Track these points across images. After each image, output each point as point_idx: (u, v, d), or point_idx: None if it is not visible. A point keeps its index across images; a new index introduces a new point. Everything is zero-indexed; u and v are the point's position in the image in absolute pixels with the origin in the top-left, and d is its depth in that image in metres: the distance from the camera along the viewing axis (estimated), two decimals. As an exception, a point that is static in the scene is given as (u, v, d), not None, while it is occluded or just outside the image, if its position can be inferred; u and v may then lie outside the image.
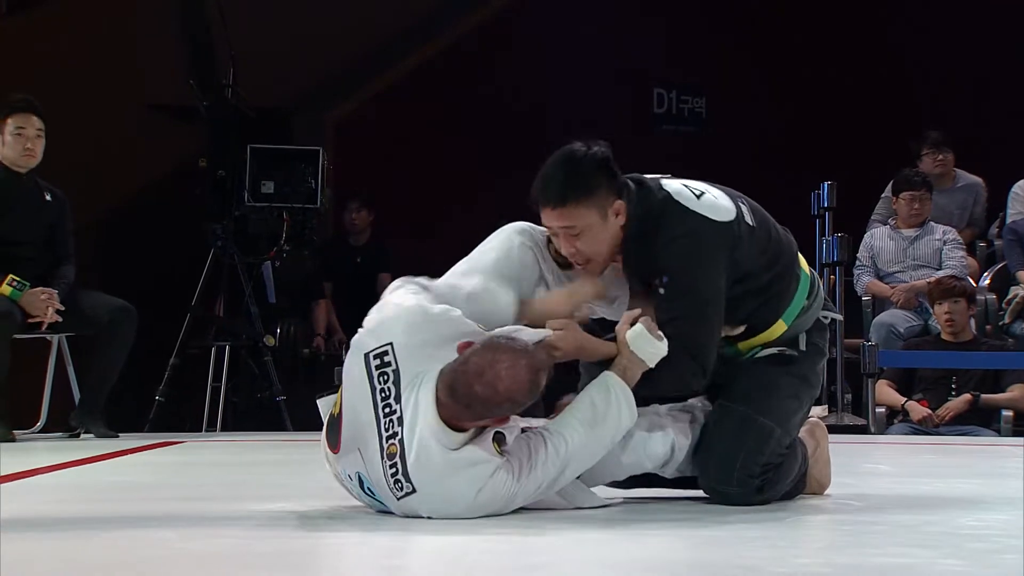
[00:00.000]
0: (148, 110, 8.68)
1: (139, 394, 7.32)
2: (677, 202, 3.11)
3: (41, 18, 8.79)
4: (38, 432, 6.48)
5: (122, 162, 8.74)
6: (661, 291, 3.07)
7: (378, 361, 2.90)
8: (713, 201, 3.13)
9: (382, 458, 2.86)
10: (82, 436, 6.26)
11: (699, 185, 3.19)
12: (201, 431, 7.26)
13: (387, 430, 2.86)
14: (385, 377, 2.88)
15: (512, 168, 10.62)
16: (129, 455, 5.29)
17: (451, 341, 2.89)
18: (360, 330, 3.00)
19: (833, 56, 10.17)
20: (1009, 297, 7.58)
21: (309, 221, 7.64)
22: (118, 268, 8.49)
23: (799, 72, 10.14)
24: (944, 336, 7.24)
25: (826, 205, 7.47)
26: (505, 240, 3.20)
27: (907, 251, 7.82)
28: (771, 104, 10.07)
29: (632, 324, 3.05)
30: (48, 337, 6.42)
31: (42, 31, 8.73)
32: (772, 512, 3.16)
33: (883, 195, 8.17)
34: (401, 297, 3.03)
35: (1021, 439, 6.74)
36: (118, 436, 6.20)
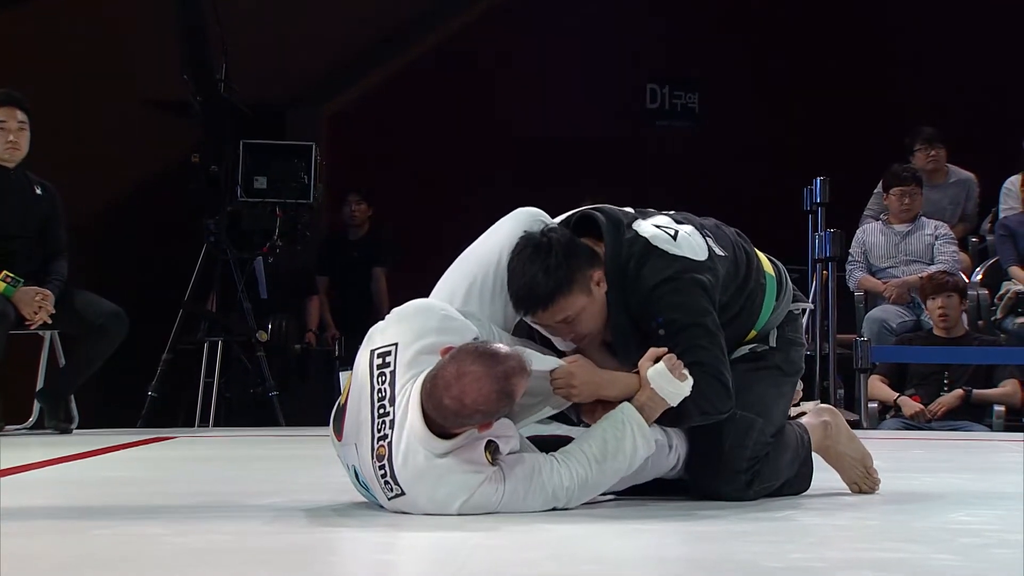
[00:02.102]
0: (141, 105, 8.67)
1: (132, 390, 7.31)
2: (655, 247, 3.11)
3: (33, 12, 8.76)
4: (29, 428, 6.46)
5: (115, 157, 8.73)
6: (661, 332, 3.08)
7: (380, 360, 2.91)
8: (689, 240, 3.14)
9: (372, 458, 2.88)
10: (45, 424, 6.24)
11: (667, 222, 3.18)
12: (194, 427, 7.25)
13: (379, 431, 2.87)
14: (383, 378, 2.89)
15: (507, 163, 10.67)
16: (122, 450, 5.29)
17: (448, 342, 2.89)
18: (379, 322, 3.01)
19: (826, 51, 10.17)
20: (1001, 292, 7.59)
21: (302, 216, 7.63)
22: (111, 263, 8.48)
23: (793, 67, 10.14)
24: (936, 331, 7.24)
25: (819, 200, 7.48)
26: (512, 232, 3.16)
27: (899, 246, 7.83)
28: (764, 99, 10.07)
29: (656, 361, 3.02)
30: (40, 333, 6.40)
31: (34, 25, 8.71)
32: (765, 507, 3.16)
33: (875, 191, 8.18)
34: (426, 301, 3.04)
35: (1013, 434, 6.75)
36: (71, 432, 6.18)
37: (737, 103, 10.15)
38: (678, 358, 3.04)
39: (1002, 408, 7.05)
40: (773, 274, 3.33)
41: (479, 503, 2.85)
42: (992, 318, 7.61)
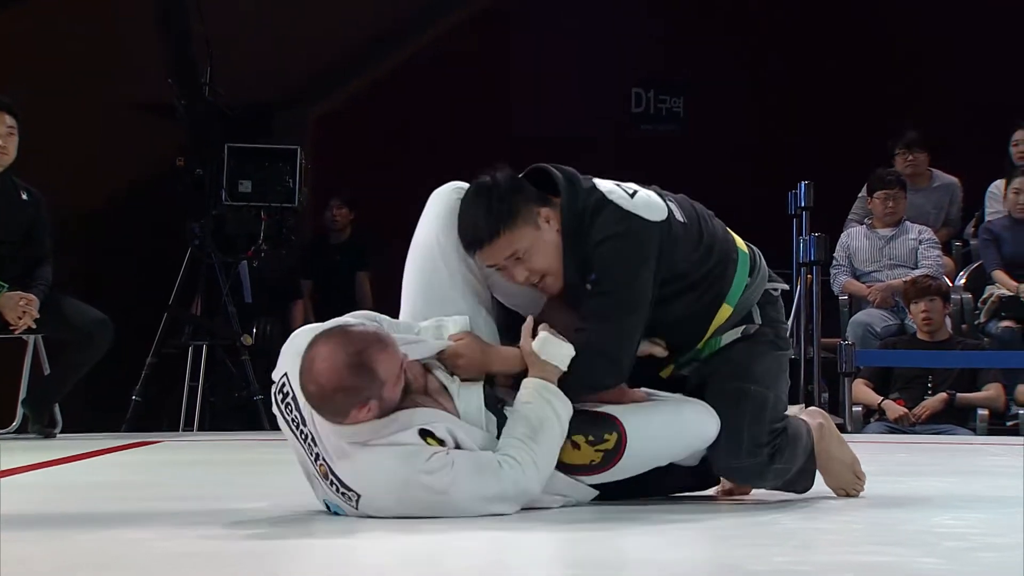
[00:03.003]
0: (126, 108, 8.65)
1: (116, 394, 7.30)
2: (611, 201, 3.10)
3: (18, 15, 8.75)
4: (13, 432, 6.45)
5: (100, 161, 8.71)
6: (588, 287, 3.08)
7: (280, 395, 2.93)
8: (647, 199, 3.13)
9: (323, 481, 2.91)
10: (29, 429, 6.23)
11: (630, 185, 3.19)
12: (178, 431, 7.24)
13: (311, 454, 2.91)
14: (289, 407, 2.92)
15: (490, 166, 10.62)
16: (106, 455, 5.27)
17: None
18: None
19: (813, 56, 10.19)
20: (985, 296, 7.61)
21: (287, 220, 7.63)
22: (95, 267, 8.46)
23: (778, 72, 10.16)
24: (920, 335, 7.27)
25: (803, 204, 7.50)
26: (440, 210, 3.17)
27: (883, 250, 7.85)
28: (749, 103, 10.09)
29: (533, 336, 3.04)
30: (24, 338, 6.39)
31: (19, 28, 8.69)
32: (749, 510, 3.16)
33: (860, 194, 8.20)
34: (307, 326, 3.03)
35: (997, 438, 6.77)
36: (55, 436, 6.17)
37: (722, 107, 10.17)
38: (584, 319, 3.05)
39: (986, 412, 7.08)
40: (747, 251, 3.32)
41: (431, 483, 2.81)
42: (976, 322, 7.64)
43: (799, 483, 3.34)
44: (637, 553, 2.55)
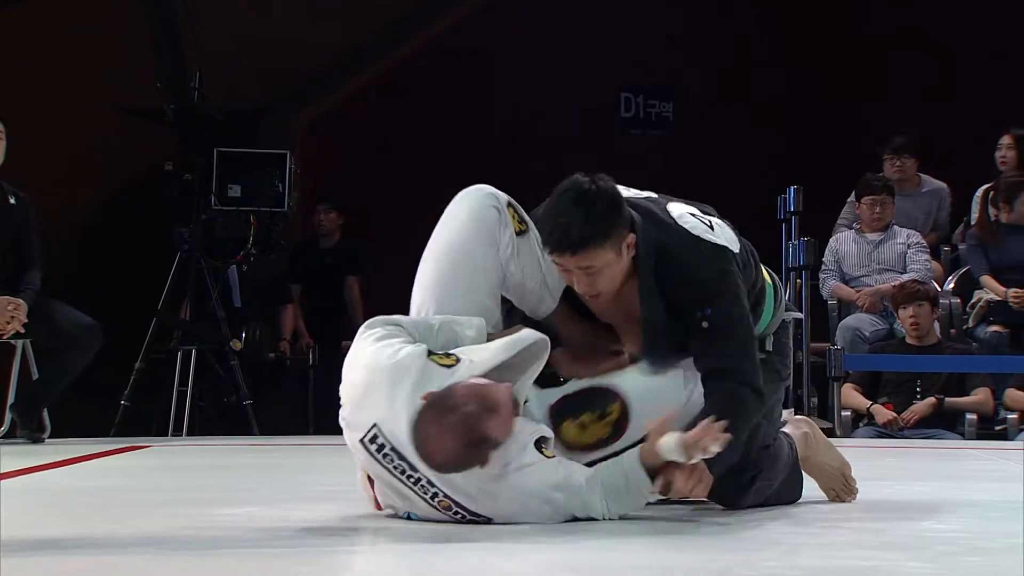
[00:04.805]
0: (115, 113, 8.64)
1: (105, 398, 7.28)
2: (700, 237, 3.07)
3: (8, 19, 8.73)
4: (1, 437, 6.43)
5: (88, 165, 8.70)
6: (705, 324, 3.03)
7: (374, 446, 2.86)
8: (723, 231, 3.11)
9: (438, 511, 2.88)
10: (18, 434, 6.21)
11: (698, 212, 3.15)
12: (167, 436, 7.23)
13: (426, 493, 2.87)
14: (389, 457, 2.85)
15: (480, 171, 10.61)
16: (95, 460, 5.26)
17: (418, 381, 2.84)
18: (342, 407, 2.94)
19: (801, 60, 10.20)
20: (973, 301, 7.62)
21: (276, 225, 7.62)
22: (84, 272, 8.44)
23: (767, 77, 10.17)
24: (909, 340, 7.27)
25: (792, 209, 7.50)
26: (471, 214, 3.13)
27: (872, 255, 7.86)
28: (738, 108, 10.10)
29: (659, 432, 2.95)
30: (12, 342, 6.37)
31: (8, 32, 8.67)
32: (738, 516, 3.17)
33: (848, 199, 8.21)
34: (369, 355, 2.92)
35: (985, 442, 6.79)
36: (44, 442, 6.15)
37: (711, 112, 10.18)
38: (713, 358, 3.02)
39: (974, 416, 7.08)
40: (771, 282, 3.32)
41: (567, 485, 2.86)
42: (964, 327, 7.65)
43: (784, 497, 3.34)
44: (623, 559, 2.55)
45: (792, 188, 7.53)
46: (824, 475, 3.44)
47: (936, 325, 7.38)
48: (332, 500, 3.42)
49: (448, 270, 3.10)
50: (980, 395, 7.15)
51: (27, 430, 6.15)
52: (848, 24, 10.30)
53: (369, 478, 2.98)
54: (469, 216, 3.12)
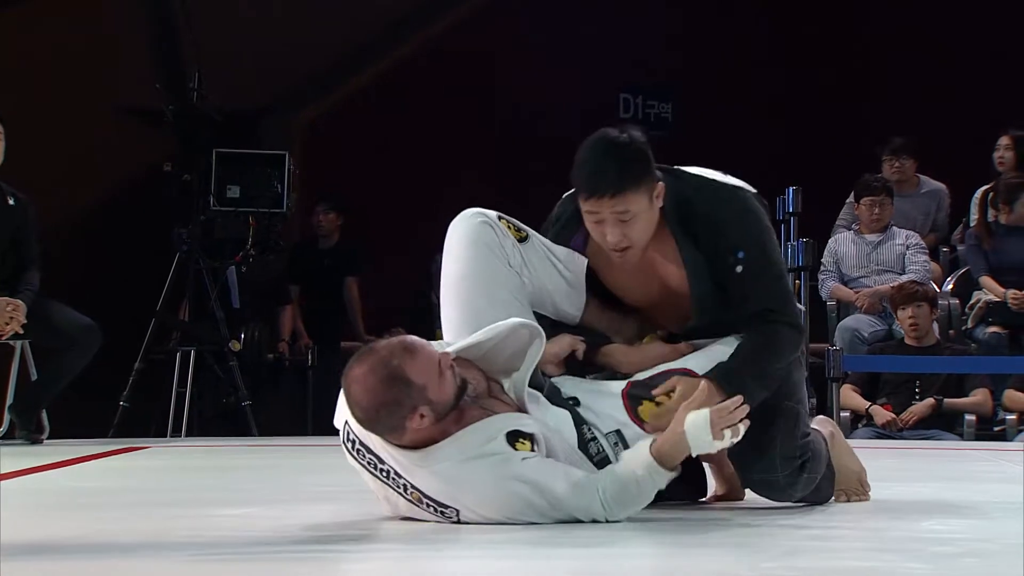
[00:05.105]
0: (114, 114, 8.64)
1: (103, 399, 7.28)
2: (715, 180, 3.13)
3: (7, 19, 8.73)
4: (0, 438, 6.42)
5: (87, 165, 8.70)
6: (739, 269, 3.05)
7: (350, 443, 2.92)
8: (735, 179, 3.18)
9: (417, 506, 2.89)
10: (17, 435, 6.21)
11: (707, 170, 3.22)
12: (166, 436, 7.23)
13: (398, 487, 2.88)
14: (361, 452, 2.90)
15: (479, 171, 10.66)
16: (94, 460, 5.26)
17: None
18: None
19: (800, 61, 10.21)
20: (972, 302, 7.63)
21: (275, 225, 7.62)
22: (83, 272, 8.44)
23: (765, 78, 10.18)
24: (908, 341, 7.28)
25: (791, 210, 7.50)
26: (469, 238, 3.12)
27: (871, 256, 7.87)
28: (737, 109, 10.10)
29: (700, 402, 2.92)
30: (11, 343, 6.37)
31: (7, 32, 8.67)
32: (739, 516, 3.17)
33: (847, 200, 8.22)
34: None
35: (984, 443, 6.79)
36: (42, 442, 6.15)
37: (710, 113, 10.18)
38: (753, 301, 3.03)
39: (973, 417, 7.09)
40: None
41: (535, 479, 2.81)
42: (963, 327, 7.66)
43: (822, 492, 3.35)
44: (621, 561, 2.55)
45: (791, 189, 7.53)
46: (842, 477, 3.45)
47: (935, 326, 7.39)
48: (331, 501, 3.42)
49: (470, 298, 3.09)
50: (979, 396, 7.15)
51: (26, 431, 6.15)
52: (847, 25, 10.30)
53: None
54: (467, 242, 3.12)
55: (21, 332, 5.98)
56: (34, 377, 6.42)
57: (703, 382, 2.96)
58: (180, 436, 7.23)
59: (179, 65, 7.40)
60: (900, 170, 8.27)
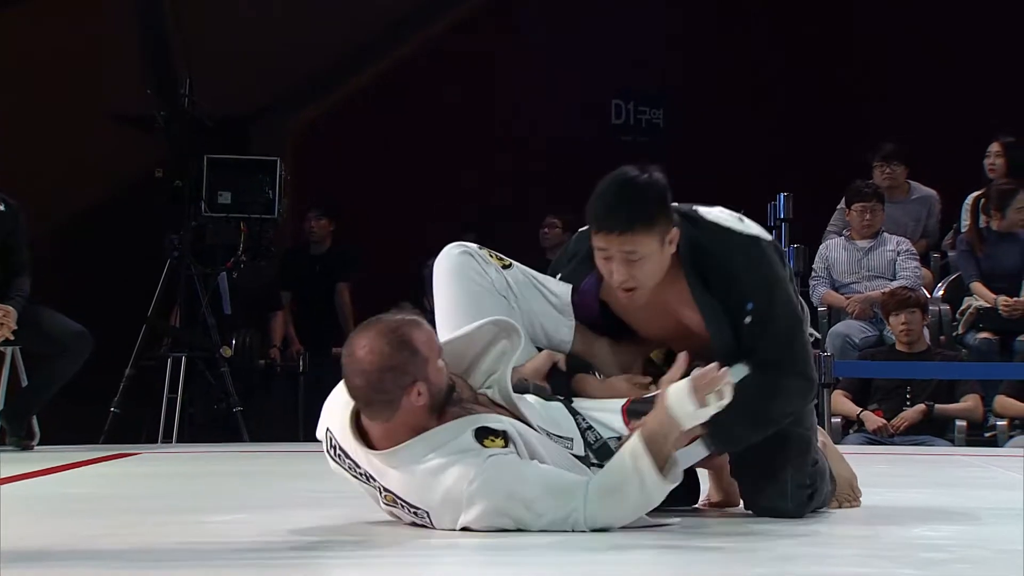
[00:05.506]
0: (105, 120, 8.62)
1: (94, 405, 7.27)
2: (730, 228, 3.10)
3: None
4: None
5: (78, 172, 8.68)
6: (748, 320, 3.04)
7: (332, 449, 2.93)
8: (755, 224, 3.14)
9: (395, 508, 2.89)
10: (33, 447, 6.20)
11: (724, 210, 3.18)
12: (157, 443, 7.21)
13: (377, 489, 2.88)
14: (341, 457, 2.91)
15: (471, 178, 10.64)
16: (85, 467, 5.25)
17: None
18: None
19: (792, 67, 10.23)
20: (963, 308, 7.64)
21: (267, 231, 7.61)
22: (74, 278, 8.42)
23: (757, 84, 10.20)
24: (899, 346, 7.28)
25: (782, 216, 7.51)
26: (453, 270, 3.14)
27: (861, 262, 7.87)
28: (728, 115, 10.11)
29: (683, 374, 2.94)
30: (2, 349, 6.36)
31: (-3, 39, 8.66)
32: (731, 523, 3.17)
33: (838, 206, 8.23)
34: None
35: (974, 449, 6.79)
36: (33, 449, 6.14)
37: (701, 119, 10.19)
38: (761, 349, 3.01)
39: (964, 423, 7.09)
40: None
41: (496, 479, 2.77)
42: (953, 333, 7.66)
43: (824, 504, 3.37)
44: (611, 568, 2.54)
45: (782, 195, 7.55)
46: (834, 484, 3.45)
47: (926, 332, 7.40)
48: (322, 507, 3.41)
49: (461, 325, 3.07)
50: (969, 402, 7.16)
51: (16, 437, 6.14)
52: (839, 33, 10.33)
53: None
54: (452, 276, 3.14)
55: (12, 338, 5.97)
56: (25, 383, 6.40)
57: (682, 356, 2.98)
58: (171, 442, 7.21)
59: (170, 70, 7.38)
60: (891, 176, 8.28)
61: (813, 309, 7.91)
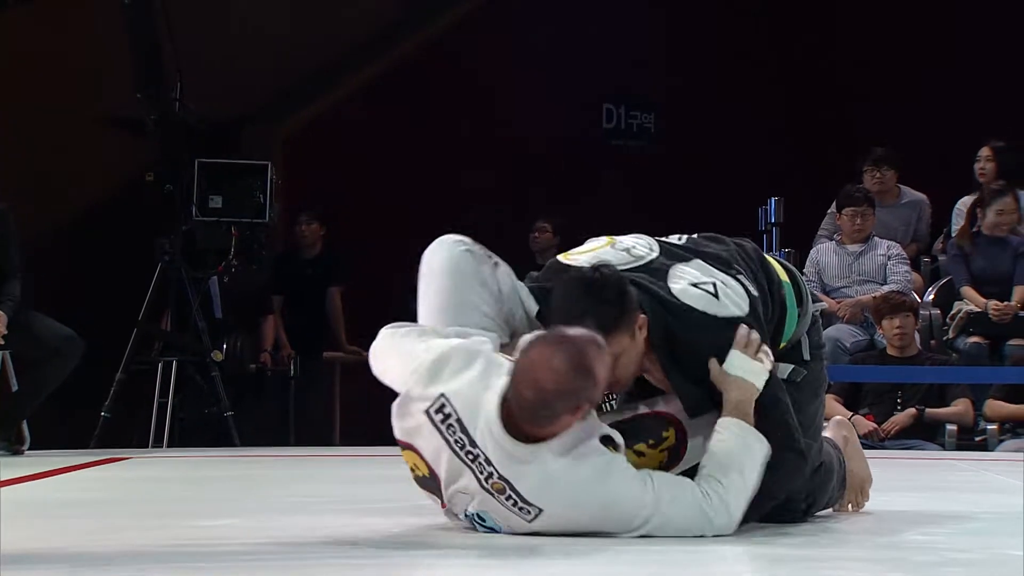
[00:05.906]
0: (95, 123, 8.61)
1: (85, 410, 7.25)
2: (704, 313, 3.01)
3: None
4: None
5: (69, 176, 8.67)
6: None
7: (440, 416, 2.83)
8: (729, 295, 3.04)
9: (494, 496, 2.83)
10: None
11: (700, 275, 3.08)
12: (148, 447, 7.20)
13: (481, 473, 2.82)
14: (452, 429, 2.83)
15: (461, 183, 10.64)
16: (75, 471, 5.24)
17: (488, 364, 2.85)
18: (401, 392, 2.91)
19: (782, 71, 10.24)
20: (953, 312, 7.65)
21: (257, 236, 7.61)
22: (64, 283, 8.41)
23: (748, 88, 10.21)
24: (890, 351, 7.29)
25: (773, 220, 7.53)
26: (449, 265, 3.08)
27: (852, 266, 7.88)
28: (720, 120, 10.13)
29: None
30: (-9, 352, 6.35)
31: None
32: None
33: (829, 211, 8.24)
34: (414, 344, 2.93)
35: (965, 453, 6.81)
36: (23, 453, 6.13)
37: (693, 123, 10.21)
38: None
39: (954, 427, 7.10)
40: (788, 280, 3.28)
41: (623, 494, 2.78)
42: (944, 337, 7.67)
43: (834, 502, 3.38)
44: (609, 567, 2.55)
45: (773, 199, 7.57)
46: (849, 484, 3.45)
47: (916, 336, 7.41)
48: (313, 511, 3.41)
49: (445, 313, 3.04)
50: (960, 406, 7.17)
51: (6, 442, 6.12)
52: (828, 39, 10.35)
53: (435, 477, 2.92)
54: (447, 265, 3.07)
55: (2, 343, 5.96)
56: (15, 388, 6.39)
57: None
58: (162, 447, 7.20)
59: (161, 74, 7.36)
60: (881, 181, 8.30)
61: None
